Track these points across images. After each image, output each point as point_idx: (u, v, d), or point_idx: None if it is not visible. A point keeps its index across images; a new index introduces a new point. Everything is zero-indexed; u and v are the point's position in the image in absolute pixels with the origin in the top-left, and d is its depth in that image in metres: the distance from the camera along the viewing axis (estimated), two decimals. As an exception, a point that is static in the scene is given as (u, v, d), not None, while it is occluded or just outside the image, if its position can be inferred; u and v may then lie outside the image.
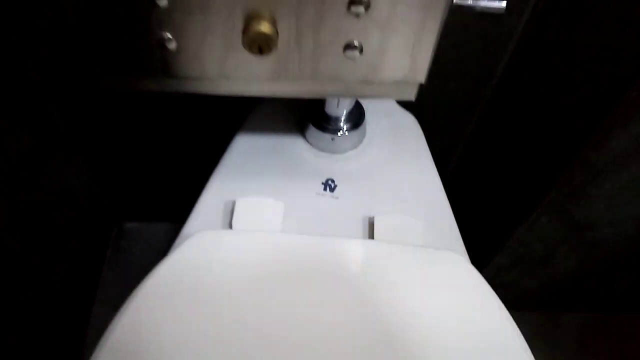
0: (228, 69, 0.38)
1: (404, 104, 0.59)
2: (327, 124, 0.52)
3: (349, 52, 0.36)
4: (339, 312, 0.41)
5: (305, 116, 0.54)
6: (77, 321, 0.83)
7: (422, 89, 0.63)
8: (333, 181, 0.51)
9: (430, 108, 0.65)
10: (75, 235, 0.84)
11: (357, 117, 0.53)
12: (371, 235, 0.47)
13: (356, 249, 0.45)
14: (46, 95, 0.65)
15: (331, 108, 0.51)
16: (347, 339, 0.39)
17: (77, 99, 0.68)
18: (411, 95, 0.41)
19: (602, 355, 0.89)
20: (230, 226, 0.46)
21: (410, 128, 0.57)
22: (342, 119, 0.52)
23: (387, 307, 0.41)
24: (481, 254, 0.69)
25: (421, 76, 0.38)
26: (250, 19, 0.33)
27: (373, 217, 0.47)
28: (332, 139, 0.53)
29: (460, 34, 0.56)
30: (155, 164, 0.82)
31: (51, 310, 0.76)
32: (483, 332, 0.40)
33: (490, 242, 0.68)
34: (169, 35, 0.35)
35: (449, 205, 0.50)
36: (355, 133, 0.53)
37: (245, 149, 0.53)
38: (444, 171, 0.76)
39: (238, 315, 0.40)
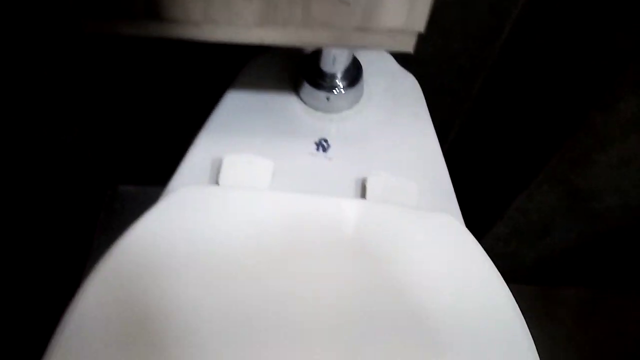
0: (213, 12, 0.35)
1: (405, 65, 0.56)
2: (322, 81, 0.50)
3: (343, -6, 0.33)
4: (331, 272, 0.39)
5: (299, 73, 0.51)
6: (68, 286, 0.82)
7: (425, 50, 0.61)
8: (326, 141, 0.49)
9: (433, 70, 0.62)
10: (67, 198, 0.83)
11: (354, 75, 0.51)
12: (364, 197, 0.45)
13: (348, 208, 0.43)
14: (36, 52, 0.63)
15: (327, 64, 0.49)
16: (340, 299, 0.38)
17: (67, 57, 0.65)
18: (409, 46, 0.38)
19: (599, 331, 0.88)
20: (217, 183, 0.44)
21: (410, 89, 0.55)
22: (338, 76, 0.50)
23: (381, 267, 0.39)
24: (480, 222, 0.68)
25: (420, 24, 0.36)
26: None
27: (366, 178, 0.45)
28: (327, 98, 0.50)
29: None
30: (151, 124, 0.80)
31: (42, 275, 0.75)
32: (476, 296, 0.39)
33: (489, 210, 0.66)
34: (149, -29, 0.32)
35: (446, 169, 0.48)
36: (352, 92, 0.51)
37: (236, 106, 0.51)
38: (446, 137, 0.73)
39: (226, 276, 0.38)
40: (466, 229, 0.42)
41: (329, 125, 0.51)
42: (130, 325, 0.34)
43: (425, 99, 0.54)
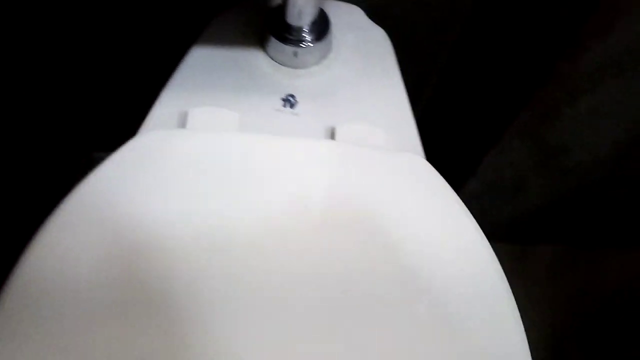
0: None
1: (376, 20, 0.55)
2: (289, 35, 0.49)
3: None
4: (303, 210, 0.38)
5: (265, 27, 0.50)
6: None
7: (398, 4, 0.59)
8: (293, 97, 0.48)
9: (405, 25, 0.61)
10: (40, 166, 0.81)
11: (321, 29, 0.50)
12: None
13: (317, 148, 0.42)
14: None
15: (292, 17, 0.47)
16: (314, 234, 0.37)
17: (37, 23, 0.63)
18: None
19: (572, 288, 0.90)
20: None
21: (379, 43, 0.54)
22: (306, 30, 0.49)
23: (352, 204, 0.39)
24: (452, 180, 0.67)
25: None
26: None
27: (334, 128, 0.45)
28: (295, 53, 0.49)
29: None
30: (125, 89, 0.78)
31: (16, 244, 0.74)
32: (447, 232, 0.39)
33: (461, 167, 0.66)
34: None
35: (415, 123, 0.48)
36: (320, 46, 0.50)
37: (201, 62, 0.50)
38: (421, 94, 0.72)
39: (195, 226, 0.36)
40: (432, 167, 0.42)
41: (297, 81, 0.50)
42: (80, 282, 0.33)
43: (398, 54, 0.54)
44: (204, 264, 0.35)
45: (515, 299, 0.38)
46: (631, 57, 0.43)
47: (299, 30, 0.48)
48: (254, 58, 0.50)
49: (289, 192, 0.39)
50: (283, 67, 0.50)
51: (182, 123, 0.44)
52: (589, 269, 0.91)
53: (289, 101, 0.48)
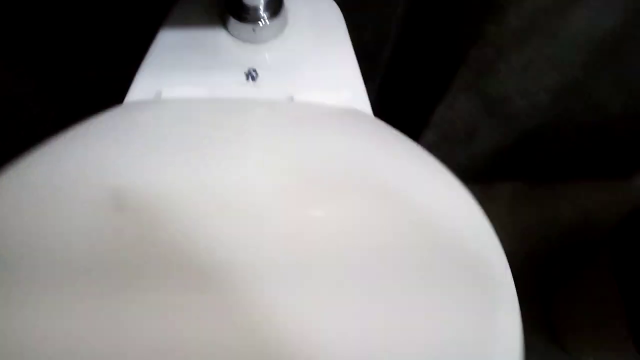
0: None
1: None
2: (246, 14, 0.53)
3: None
4: (278, 167, 0.38)
5: (225, 8, 0.54)
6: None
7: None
8: (255, 71, 0.54)
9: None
10: (21, 154, 0.85)
11: (276, 5, 0.54)
12: None
13: (273, 107, 0.46)
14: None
15: (247, -3, 0.52)
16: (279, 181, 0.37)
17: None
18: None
19: (530, 220, 0.98)
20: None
21: (331, 14, 0.58)
22: (261, 8, 0.53)
23: (321, 152, 0.40)
24: (410, 132, 0.74)
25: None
26: None
27: (293, 97, 0.50)
28: (253, 30, 0.54)
29: None
30: (107, 74, 0.81)
31: None
32: (416, 168, 0.41)
33: (417, 121, 0.72)
34: None
35: (364, 88, 0.53)
36: (276, 21, 0.54)
37: (168, 45, 0.54)
38: (380, 58, 0.77)
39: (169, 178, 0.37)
40: (376, 118, 0.47)
41: (257, 55, 0.55)
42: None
43: (350, 22, 0.58)
44: (190, 223, 0.34)
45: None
46: (547, 17, 0.48)
47: (255, 9, 0.53)
48: (217, 36, 0.55)
49: (262, 150, 0.40)
50: (244, 44, 0.55)
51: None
52: (544, 202, 0.99)
53: (251, 75, 0.53)
